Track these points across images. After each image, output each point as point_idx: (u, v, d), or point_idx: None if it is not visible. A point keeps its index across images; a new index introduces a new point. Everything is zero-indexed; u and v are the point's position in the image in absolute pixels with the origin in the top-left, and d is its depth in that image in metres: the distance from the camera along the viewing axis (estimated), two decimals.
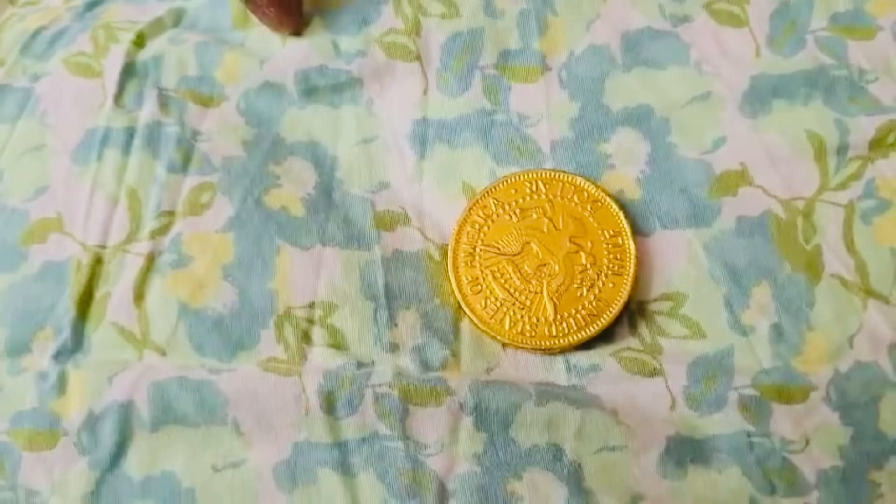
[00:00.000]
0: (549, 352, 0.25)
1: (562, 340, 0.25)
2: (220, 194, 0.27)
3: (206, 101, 0.29)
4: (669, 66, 0.28)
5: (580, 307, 0.25)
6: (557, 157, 0.27)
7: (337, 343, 0.25)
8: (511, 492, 0.23)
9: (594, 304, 0.25)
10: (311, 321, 0.25)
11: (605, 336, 0.25)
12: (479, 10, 0.28)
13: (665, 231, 0.26)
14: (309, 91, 0.29)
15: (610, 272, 0.26)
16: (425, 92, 0.28)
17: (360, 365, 0.25)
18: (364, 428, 0.24)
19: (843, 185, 0.26)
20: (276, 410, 0.24)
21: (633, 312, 0.26)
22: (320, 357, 0.25)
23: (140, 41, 0.29)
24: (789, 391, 0.24)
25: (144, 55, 0.29)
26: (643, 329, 0.25)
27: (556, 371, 0.25)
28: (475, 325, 0.26)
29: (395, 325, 0.25)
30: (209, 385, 0.24)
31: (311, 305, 0.26)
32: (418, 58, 0.28)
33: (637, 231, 0.26)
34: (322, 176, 0.28)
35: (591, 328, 0.25)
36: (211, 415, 0.24)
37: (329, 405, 0.24)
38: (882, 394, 0.24)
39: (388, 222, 0.27)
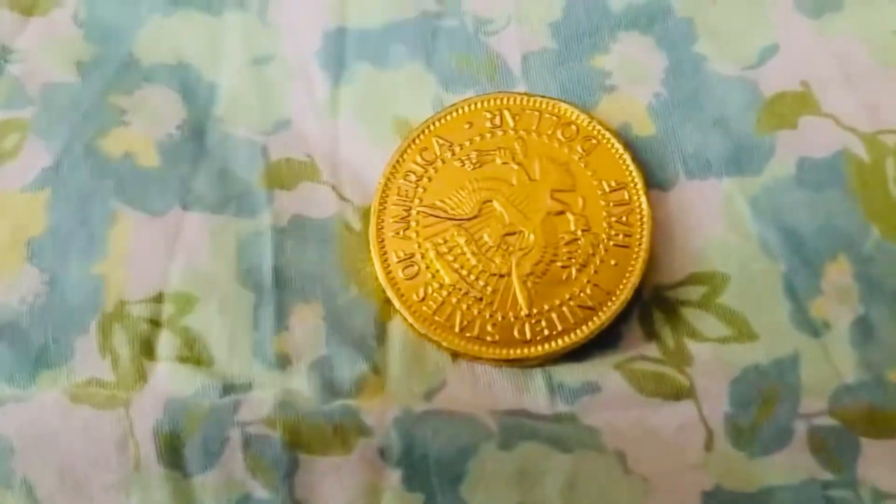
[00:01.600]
0: (523, 364, 0.18)
1: (541, 347, 0.18)
2: (34, 136, 0.19)
3: (29, 8, 0.21)
4: None
5: (568, 297, 0.18)
6: (532, 77, 0.20)
7: (195, 356, 0.18)
8: None
9: (589, 291, 0.18)
10: (156, 322, 0.18)
11: (607, 340, 0.18)
12: None
13: (693, 181, 0.19)
14: None
15: (612, 244, 0.18)
16: None
17: (227, 389, 0.17)
18: (229, 489, 0.16)
19: None
20: (90, 464, 0.16)
21: (648, 303, 0.19)
22: (168, 378, 0.17)
23: None
24: (886, 418, 0.18)
25: None
26: (663, 328, 0.18)
27: (534, 393, 0.18)
28: (409, 325, 0.18)
29: (286, 327, 0.18)
30: None
31: (159, 298, 0.18)
32: None
33: (652, 182, 0.19)
34: (193, 111, 0.20)
35: (585, 328, 0.18)
36: None
37: (172, 454, 0.16)
38: None
39: (286, 176, 0.20)
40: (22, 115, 0.20)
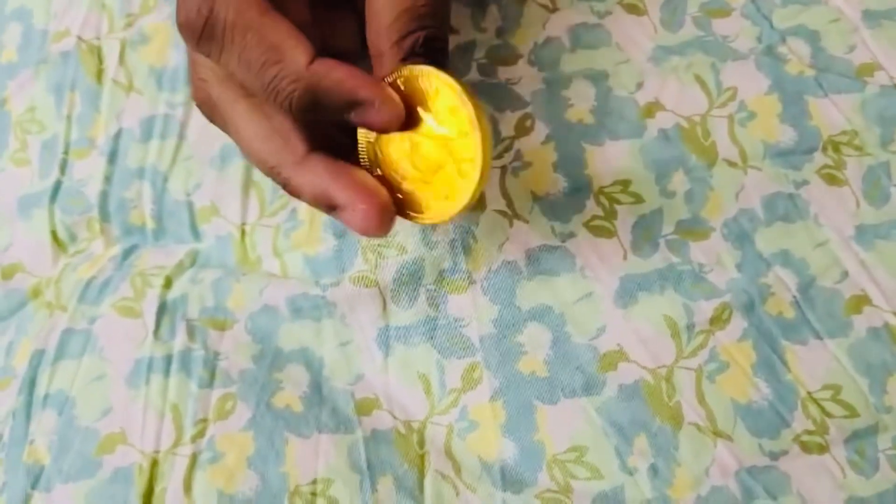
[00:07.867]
0: None
1: None
2: (240, 401, 0.36)
3: (222, 326, 0.38)
4: (561, 273, 0.37)
5: None
6: (486, 348, 0.37)
7: None
8: None
9: None
10: (314, 494, 0.34)
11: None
12: (420, 244, 0.38)
13: (567, 399, 0.35)
14: (297, 310, 0.38)
15: None
16: (384, 307, 0.38)
17: None
18: None
19: (693, 354, 0.35)
20: None
21: (549, 462, 0.35)
22: None
23: (168, 284, 0.39)
24: None
25: (173, 294, 0.38)
26: (557, 474, 0.35)
27: None
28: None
29: (376, 490, 0.34)
30: None
31: (314, 482, 0.34)
32: (376, 284, 0.38)
33: (545, 401, 0.36)
34: (313, 375, 0.37)
35: None
36: None
37: None
38: None
39: (365, 408, 0.36)
40: (232, 389, 0.36)
